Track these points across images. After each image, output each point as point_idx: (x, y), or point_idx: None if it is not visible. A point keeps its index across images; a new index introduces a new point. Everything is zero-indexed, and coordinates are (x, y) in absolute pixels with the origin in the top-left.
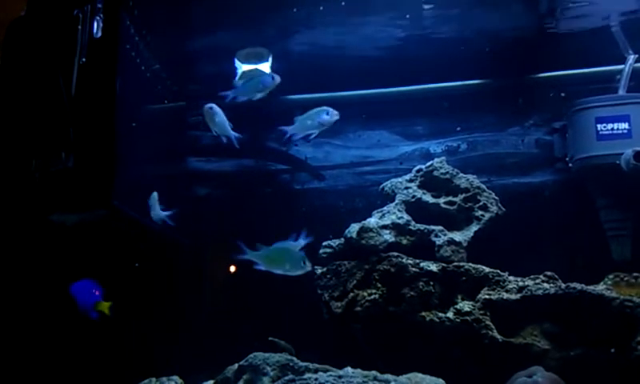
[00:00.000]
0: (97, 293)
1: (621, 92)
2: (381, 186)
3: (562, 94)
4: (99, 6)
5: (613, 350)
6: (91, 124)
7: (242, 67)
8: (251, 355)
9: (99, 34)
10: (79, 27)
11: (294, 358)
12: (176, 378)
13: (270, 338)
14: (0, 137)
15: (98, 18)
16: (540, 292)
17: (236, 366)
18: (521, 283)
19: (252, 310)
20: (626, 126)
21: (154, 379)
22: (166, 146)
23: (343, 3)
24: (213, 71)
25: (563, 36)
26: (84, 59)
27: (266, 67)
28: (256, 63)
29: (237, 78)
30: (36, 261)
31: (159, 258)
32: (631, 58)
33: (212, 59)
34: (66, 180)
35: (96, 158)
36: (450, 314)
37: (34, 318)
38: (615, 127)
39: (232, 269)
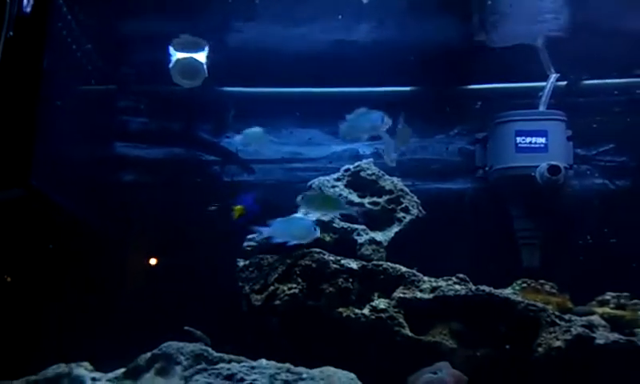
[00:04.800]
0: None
1: (541, 108)
2: (308, 183)
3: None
4: None
5: (508, 347)
6: (13, 100)
7: (177, 55)
8: (165, 344)
9: (28, 9)
10: (8, 0)
11: (209, 349)
12: (86, 364)
13: (185, 328)
14: None
15: None
16: (451, 293)
17: (149, 354)
18: (434, 284)
19: (170, 300)
20: (543, 140)
21: (63, 365)
22: (94, 128)
23: None
24: (146, 57)
25: (491, 50)
26: (11, 33)
27: (201, 57)
28: (191, 52)
29: (170, 65)
30: None
31: (75, 242)
32: (553, 76)
33: (146, 44)
34: None
35: (15, 135)
36: (366, 311)
37: None
38: (533, 141)
39: (152, 259)
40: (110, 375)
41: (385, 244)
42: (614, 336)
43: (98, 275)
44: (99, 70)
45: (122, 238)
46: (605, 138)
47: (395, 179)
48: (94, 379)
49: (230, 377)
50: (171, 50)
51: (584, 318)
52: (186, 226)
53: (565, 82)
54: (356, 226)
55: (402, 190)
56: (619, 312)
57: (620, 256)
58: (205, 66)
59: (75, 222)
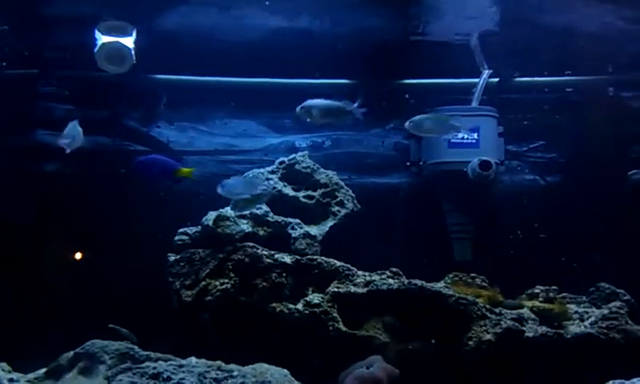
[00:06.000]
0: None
1: (474, 104)
2: (243, 176)
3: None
4: None
5: (437, 340)
6: None
7: (103, 39)
8: (89, 343)
9: None
10: None
11: (135, 347)
12: (4, 364)
13: (110, 326)
14: None
15: None
16: (384, 287)
17: (71, 353)
18: (368, 278)
19: (95, 297)
20: (475, 136)
21: None
22: (12, 114)
23: None
24: (71, 40)
25: (427, 45)
26: None
27: (128, 42)
28: (118, 37)
29: (96, 49)
30: None
31: None
32: (486, 73)
33: (71, 28)
34: None
35: None
36: (300, 306)
37: None
38: (466, 137)
39: (77, 254)
40: (30, 376)
41: (319, 238)
42: (543, 329)
43: (18, 270)
44: (18, 54)
45: (45, 231)
46: (535, 134)
47: (330, 172)
48: (11, 380)
49: (155, 376)
50: (97, 33)
51: (514, 312)
52: (113, 219)
53: (497, 79)
54: (290, 219)
55: (337, 184)
56: (548, 305)
57: (549, 250)
58: (132, 52)
59: None
